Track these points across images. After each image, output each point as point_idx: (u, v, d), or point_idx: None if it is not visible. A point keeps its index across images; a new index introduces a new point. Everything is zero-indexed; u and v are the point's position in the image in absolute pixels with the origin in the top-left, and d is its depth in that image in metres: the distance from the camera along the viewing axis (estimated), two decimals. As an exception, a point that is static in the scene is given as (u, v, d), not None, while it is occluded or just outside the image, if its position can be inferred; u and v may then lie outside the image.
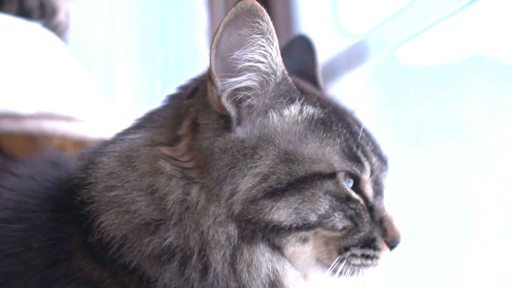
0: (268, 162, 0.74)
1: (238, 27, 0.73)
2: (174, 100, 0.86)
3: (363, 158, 0.80)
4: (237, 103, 0.77)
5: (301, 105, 0.80)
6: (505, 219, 1.07)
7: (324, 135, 0.79)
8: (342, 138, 0.79)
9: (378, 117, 1.36)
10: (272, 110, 0.78)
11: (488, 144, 1.12)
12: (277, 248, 0.76)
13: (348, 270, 0.79)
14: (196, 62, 1.94)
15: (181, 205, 0.73)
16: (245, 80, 0.76)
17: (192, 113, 0.78)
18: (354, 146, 0.80)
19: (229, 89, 0.76)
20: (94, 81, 1.42)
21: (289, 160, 0.75)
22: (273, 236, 0.75)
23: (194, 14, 2.05)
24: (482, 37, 1.18)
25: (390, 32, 1.30)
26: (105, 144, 0.83)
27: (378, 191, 0.84)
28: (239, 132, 0.76)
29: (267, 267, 0.74)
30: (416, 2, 1.20)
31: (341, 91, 0.90)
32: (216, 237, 0.73)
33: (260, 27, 0.73)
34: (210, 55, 0.73)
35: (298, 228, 0.75)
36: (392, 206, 0.85)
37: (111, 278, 0.72)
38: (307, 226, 0.75)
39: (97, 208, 0.74)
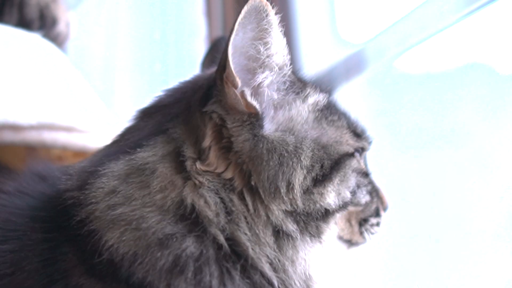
0: (309, 154, 0.77)
1: (252, 24, 0.74)
2: (176, 107, 0.82)
3: (362, 134, 0.87)
4: (259, 99, 0.77)
5: (313, 94, 0.82)
6: (501, 225, 1.08)
7: (334, 118, 0.83)
8: (344, 119, 0.85)
9: (376, 124, 1.37)
10: (292, 101, 0.80)
11: (484, 150, 1.13)
12: (318, 236, 0.78)
13: (366, 239, 0.86)
14: (195, 71, 1.95)
15: (222, 213, 0.73)
16: (264, 75, 0.77)
17: (216, 119, 0.76)
18: (353, 124, 0.86)
19: (251, 86, 0.76)
20: (94, 90, 1.43)
21: (323, 146, 0.79)
22: (322, 223, 0.78)
23: (192, 23, 2.06)
24: (478, 45, 1.19)
25: (388, 42, 1.31)
26: (100, 163, 0.78)
27: (366, 164, 0.90)
28: (271, 128, 0.77)
29: (312, 258, 0.77)
30: (414, 13, 1.22)
31: (339, 100, 0.91)
32: (268, 235, 0.74)
33: (272, 22, 0.75)
34: (226, 57, 0.73)
35: (340, 209, 0.79)
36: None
37: None
38: (345, 205, 0.79)
39: (99, 225, 0.72)
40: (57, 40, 1.57)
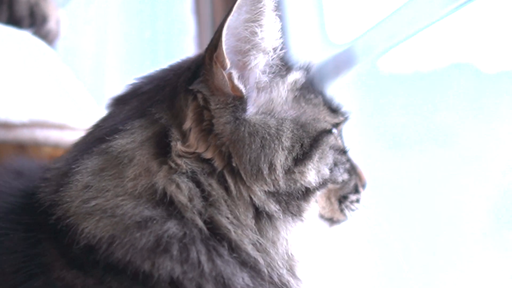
0: (289, 135, 0.77)
1: (248, 6, 0.74)
2: (155, 93, 0.81)
3: (337, 109, 0.87)
4: (246, 82, 0.77)
5: (294, 74, 0.83)
6: (485, 223, 1.09)
7: (311, 96, 0.84)
8: (321, 96, 0.86)
9: (362, 123, 1.38)
10: (275, 84, 0.80)
11: (471, 149, 1.14)
12: (299, 215, 0.78)
13: (347, 216, 0.85)
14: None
15: (199, 196, 0.73)
16: (255, 58, 0.77)
17: (200, 100, 0.75)
18: (329, 100, 0.87)
19: (240, 69, 0.76)
20: (85, 89, 1.43)
21: (301, 125, 0.79)
22: (302, 202, 0.78)
23: (182, 22, 2.06)
24: (463, 45, 1.20)
25: (372, 41, 1.33)
26: (74, 160, 0.77)
27: (343, 141, 0.91)
28: (254, 112, 0.77)
29: (294, 237, 0.77)
30: (399, 11, 1.23)
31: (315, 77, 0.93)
32: (250, 216, 0.74)
33: (267, 4, 0.75)
34: (220, 37, 0.73)
35: (320, 186, 0.79)
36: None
37: (98, 285, 0.69)
38: (325, 182, 0.79)
39: (76, 219, 0.71)
40: (47, 37, 1.57)
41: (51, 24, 1.63)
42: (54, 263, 0.71)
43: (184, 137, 0.75)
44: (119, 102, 0.84)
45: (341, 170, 0.83)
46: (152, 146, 0.75)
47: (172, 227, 0.71)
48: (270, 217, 0.75)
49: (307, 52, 1.58)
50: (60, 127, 1.16)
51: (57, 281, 0.69)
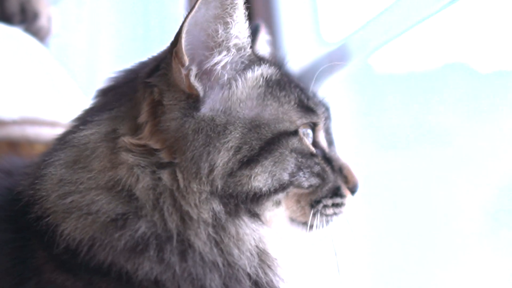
0: (238, 135, 0.74)
1: (216, 2, 0.72)
2: (126, 86, 0.81)
3: (315, 107, 0.82)
4: (204, 80, 0.75)
5: (261, 69, 0.80)
6: (481, 223, 1.09)
7: (281, 94, 0.79)
8: (296, 94, 0.81)
9: (356, 123, 1.38)
10: (234, 81, 0.77)
11: (464, 149, 1.14)
12: (257, 217, 0.75)
13: (322, 222, 0.81)
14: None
15: (154, 191, 0.72)
16: (219, 58, 0.75)
17: (155, 94, 0.75)
18: (305, 99, 0.82)
19: (199, 67, 0.75)
20: (77, 86, 1.42)
21: (256, 126, 0.75)
22: (254, 205, 0.74)
23: (175, 19, 2.05)
24: (458, 45, 1.21)
25: (365, 39, 1.32)
26: (48, 153, 0.78)
27: (330, 141, 0.86)
28: (207, 109, 0.75)
29: (254, 238, 0.74)
30: (389, 10, 1.23)
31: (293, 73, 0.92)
32: (200, 215, 0.72)
33: (235, 2, 0.73)
34: (180, 33, 0.71)
35: (276, 191, 0.75)
36: (343, 155, 0.88)
37: (87, 286, 0.69)
38: (282, 187, 0.75)
39: (55, 218, 0.71)
40: (39, 34, 1.55)
41: (42, 21, 1.61)
42: (44, 265, 0.71)
43: (138, 130, 0.74)
44: (100, 94, 0.84)
45: (307, 175, 0.78)
46: (112, 140, 0.75)
47: (143, 225, 0.70)
48: (217, 217, 0.72)
49: (300, 50, 1.58)
50: (52, 124, 1.15)
51: (48, 285, 0.69)
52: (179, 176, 0.72)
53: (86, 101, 1.36)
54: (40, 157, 0.81)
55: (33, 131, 1.12)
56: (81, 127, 0.77)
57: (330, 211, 0.81)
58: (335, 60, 1.43)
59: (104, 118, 0.77)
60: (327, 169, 0.81)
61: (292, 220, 0.80)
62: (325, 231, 0.84)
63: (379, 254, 1.29)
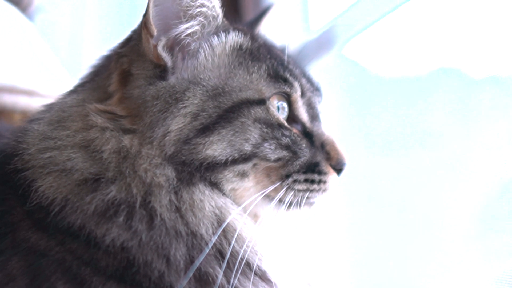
0: (196, 101, 0.74)
1: None
2: (109, 59, 0.84)
3: (290, 78, 0.80)
4: (174, 50, 0.76)
5: (231, 35, 0.80)
6: (469, 227, 1.08)
7: (252, 63, 0.78)
8: (269, 64, 0.79)
9: (348, 126, 1.37)
10: (202, 49, 0.77)
11: (454, 153, 1.12)
12: (215, 186, 0.74)
13: (295, 199, 0.78)
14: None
15: (118, 155, 0.72)
16: (187, 27, 0.75)
17: (125, 64, 0.77)
18: (281, 69, 0.80)
19: (167, 37, 0.75)
20: (60, 62, 1.39)
21: (217, 94, 0.75)
22: (210, 174, 0.73)
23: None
24: (450, 50, 1.19)
25: (348, 23, 1.32)
26: (36, 113, 0.82)
27: (314, 116, 0.84)
28: (173, 79, 0.75)
29: (210, 205, 0.72)
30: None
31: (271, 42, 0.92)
32: (155, 179, 0.71)
33: None
34: (148, 3, 0.72)
35: (235, 161, 0.74)
36: (332, 131, 0.84)
37: (59, 246, 0.69)
38: (243, 158, 0.74)
39: (32, 172, 0.72)
40: (20, 4, 1.52)
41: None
42: (20, 223, 0.71)
43: (108, 98, 0.77)
44: (90, 67, 0.88)
45: (273, 146, 0.76)
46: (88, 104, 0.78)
47: (113, 190, 0.71)
48: (171, 183, 0.72)
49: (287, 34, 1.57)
50: (29, 93, 1.12)
51: (22, 243, 0.70)
52: (135, 141, 0.73)
53: (66, 73, 1.35)
54: (26, 120, 0.83)
55: (10, 99, 1.09)
56: (67, 95, 0.82)
57: (301, 186, 0.78)
58: (321, 46, 1.43)
59: (86, 88, 0.81)
60: (302, 142, 0.79)
61: (267, 196, 0.78)
62: (307, 211, 0.81)
63: (367, 256, 1.28)
